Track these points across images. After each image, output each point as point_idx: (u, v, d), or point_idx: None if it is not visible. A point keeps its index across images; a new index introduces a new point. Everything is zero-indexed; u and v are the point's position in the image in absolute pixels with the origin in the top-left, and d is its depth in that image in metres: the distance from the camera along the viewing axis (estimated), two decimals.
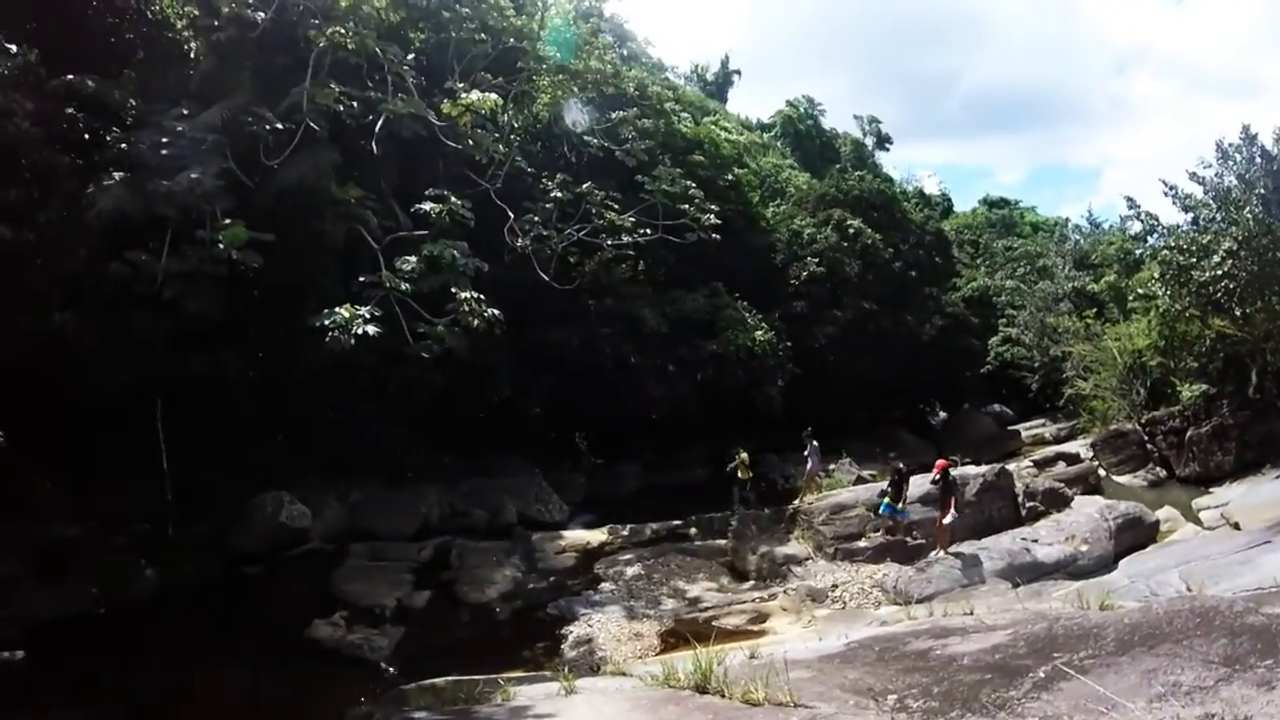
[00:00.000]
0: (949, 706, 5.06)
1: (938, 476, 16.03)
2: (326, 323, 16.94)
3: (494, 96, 21.72)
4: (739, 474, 20.43)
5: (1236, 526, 16.88)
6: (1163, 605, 6.93)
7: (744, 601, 14.93)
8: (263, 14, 18.69)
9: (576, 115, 26.95)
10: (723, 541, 18.88)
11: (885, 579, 15.07)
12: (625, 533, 20.06)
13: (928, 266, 39.36)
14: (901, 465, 17.46)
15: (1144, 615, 6.42)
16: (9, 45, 15.75)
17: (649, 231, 25.08)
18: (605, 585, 17.07)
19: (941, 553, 15.53)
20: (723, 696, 6.02)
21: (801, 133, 53.50)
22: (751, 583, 16.38)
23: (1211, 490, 21.57)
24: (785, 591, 14.97)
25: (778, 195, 39.67)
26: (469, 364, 20.69)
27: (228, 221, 16.46)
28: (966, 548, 15.77)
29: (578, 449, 28.39)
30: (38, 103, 15.68)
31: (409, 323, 18.25)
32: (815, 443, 22.01)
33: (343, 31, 18.80)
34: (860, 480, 22.57)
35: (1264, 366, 22.19)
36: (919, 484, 17.03)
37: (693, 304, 28.40)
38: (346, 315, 16.99)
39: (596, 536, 20.36)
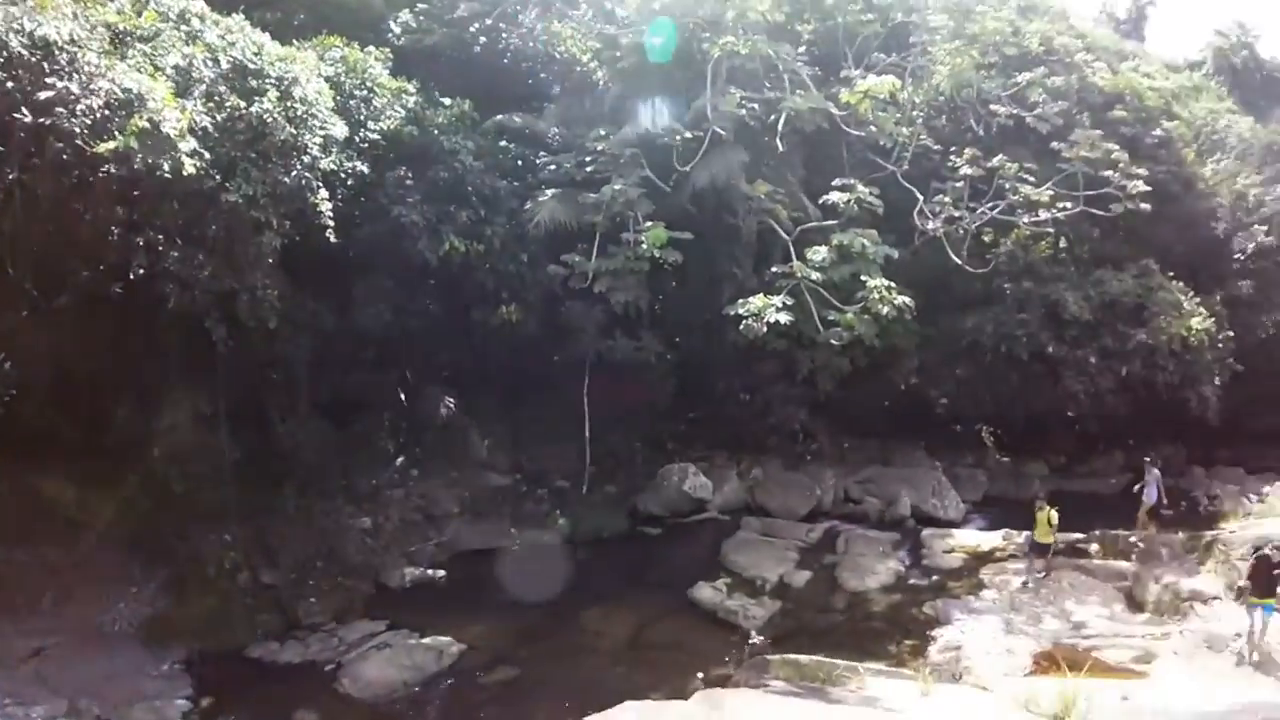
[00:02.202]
0: None
1: None
2: (741, 311, 18.45)
3: (891, 79, 21.49)
4: (1036, 535, 16.47)
5: None
6: None
7: (1132, 635, 13.51)
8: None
9: (978, 84, 25.27)
10: (1124, 564, 16.89)
11: None
12: (1020, 540, 18.81)
13: None
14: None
15: None
16: (443, 100, 19.30)
17: (1069, 205, 23.21)
18: (987, 593, 16.39)
19: None
20: None
21: (1238, 67, 42.60)
22: (1146, 615, 14.67)
23: None
24: (1181, 632, 13.15)
25: (1216, 149, 32.42)
26: (877, 350, 20.91)
27: (649, 224, 18.47)
28: None
29: (982, 444, 26.96)
30: (476, 141, 19.18)
31: (819, 310, 19.10)
32: (1157, 471, 19.41)
33: (733, 40, 19.84)
34: None
35: None
36: None
37: (1120, 286, 25.00)
38: (759, 304, 18.43)
39: (989, 540, 19.43)
